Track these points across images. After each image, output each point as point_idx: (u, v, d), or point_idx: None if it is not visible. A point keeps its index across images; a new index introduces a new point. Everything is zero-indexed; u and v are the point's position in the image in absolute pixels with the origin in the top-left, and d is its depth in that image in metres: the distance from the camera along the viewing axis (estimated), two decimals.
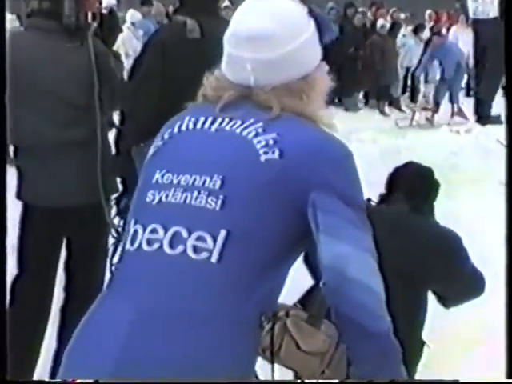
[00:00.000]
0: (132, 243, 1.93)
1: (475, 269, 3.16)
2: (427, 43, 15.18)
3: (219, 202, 1.87)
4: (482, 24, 9.89)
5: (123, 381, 1.79)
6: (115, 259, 3.41)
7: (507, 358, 2.62)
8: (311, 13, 2.02)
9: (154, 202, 1.94)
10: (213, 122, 1.97)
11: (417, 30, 15.13)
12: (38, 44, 3.48)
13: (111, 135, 3.66)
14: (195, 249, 1.85)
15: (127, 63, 4.77)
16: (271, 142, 1.89)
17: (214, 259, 1.84)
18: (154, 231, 1.90)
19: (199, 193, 1.89)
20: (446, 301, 3.18)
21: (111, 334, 1.83)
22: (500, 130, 8.90)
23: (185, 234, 1.87)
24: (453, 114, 10.76)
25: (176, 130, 2.02)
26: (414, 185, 3.21)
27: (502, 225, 3.06)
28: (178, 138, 2.01)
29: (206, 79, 2.07)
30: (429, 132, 8.00)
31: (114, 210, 3.55)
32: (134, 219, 1.98)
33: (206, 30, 3.38)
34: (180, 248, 1.86)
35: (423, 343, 3.07)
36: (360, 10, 15.15)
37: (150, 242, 1.90)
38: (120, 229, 3.48)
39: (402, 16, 16.98)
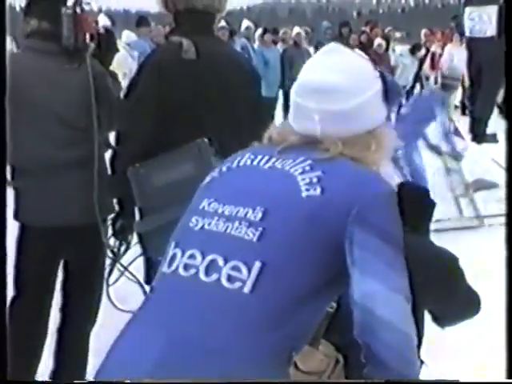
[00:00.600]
0: (169, 266, 1.97)
1: (471, 289, 3.16)
2: (422, 61, 15.27)
3: (257, 234, 1.90)
4: (478, 42, 9.92)
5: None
6: (111, 280, 3.42)
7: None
8: (381, 74, 2.07)
9: (197, 228, 1.98)
10: (268, 161, 2.03)
11: (413, 50, 15.20)
12: (37, 65, 3.50)
13: (108, 155, 3.67)
14: (229, 278, 1.87)
15: (124, 83, 4.78)
16: (315, 179, 1.92)
17: (246, 289, 1.85)
18: (192, 257, 1.94)
19: (240, 223, 1.93)
20: (440, 320, 3.18)
21: (142, 356, 1.84)
22: (496, 149, 8.93)
23: (221, 262, 1.89)
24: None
25: (235, 164, 2.08)
26: (410, 205, 3.21)
27: (501, 242, 3.05)
28: (233, 172, 2.07)
29: (273, 126, 2.14)
30: (424, 151, 8.00)
31: (110, 231, 3.55)
32: (174, 242, 2.02)
33: (201, 50, 3.39)
34: (215, 276, 1.88)
35: (421, 362, 3.07)
36: (362, 29, 15.23)
37: (186, 267, 1.93)
38: (116, 249, 3.48)
39: (398, 35, 17.05)
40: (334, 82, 1.99)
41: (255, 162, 2.04)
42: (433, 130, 7.97)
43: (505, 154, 3.13)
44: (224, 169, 2.10)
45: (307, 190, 1.91)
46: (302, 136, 2.04)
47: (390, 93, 2.06)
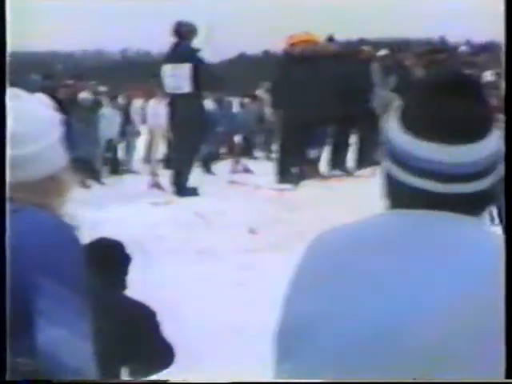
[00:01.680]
0: None
1: (166, 342, 3.24)
2: (126, 115, 15.53)
3: None
4: (178, 98, 10.18)
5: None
6: None
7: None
8: (66, 120, 2.11)
9: None
10: None
11: (115, 103, 15.45)
12: None
13: None
14: None
15: None
16: None
17: None
18: None
19: None
20: (136, 373, 3.21)
21: None
22: (197, 202, 9.18)
23: None
24: (151, 186, 10.96)
25: None
26: (106, 260, 3.24)
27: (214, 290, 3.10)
28: None
29: None
30: (128, 205, 8.06)
31: None
32: None
33: None
34: None
35: None
36: (67, 82, 15.12)
37: None
38: None
39: (103, 89, 17.19)
40: (11, 128, 1.99)
41: None
42: None
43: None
44: None
45: None
46: None
47: (69, 139, 2.12)
